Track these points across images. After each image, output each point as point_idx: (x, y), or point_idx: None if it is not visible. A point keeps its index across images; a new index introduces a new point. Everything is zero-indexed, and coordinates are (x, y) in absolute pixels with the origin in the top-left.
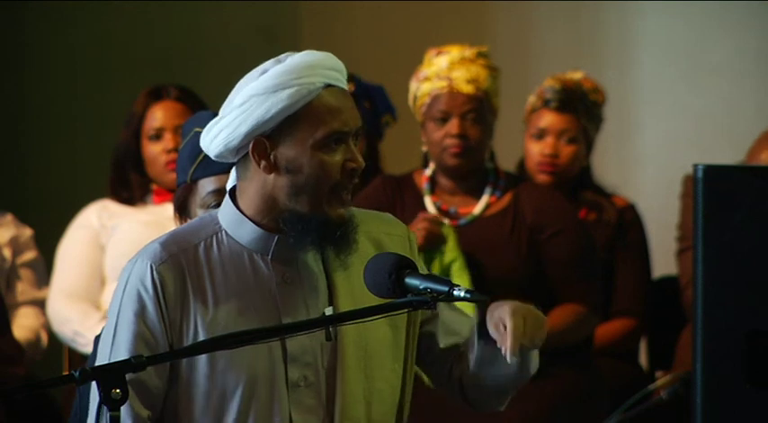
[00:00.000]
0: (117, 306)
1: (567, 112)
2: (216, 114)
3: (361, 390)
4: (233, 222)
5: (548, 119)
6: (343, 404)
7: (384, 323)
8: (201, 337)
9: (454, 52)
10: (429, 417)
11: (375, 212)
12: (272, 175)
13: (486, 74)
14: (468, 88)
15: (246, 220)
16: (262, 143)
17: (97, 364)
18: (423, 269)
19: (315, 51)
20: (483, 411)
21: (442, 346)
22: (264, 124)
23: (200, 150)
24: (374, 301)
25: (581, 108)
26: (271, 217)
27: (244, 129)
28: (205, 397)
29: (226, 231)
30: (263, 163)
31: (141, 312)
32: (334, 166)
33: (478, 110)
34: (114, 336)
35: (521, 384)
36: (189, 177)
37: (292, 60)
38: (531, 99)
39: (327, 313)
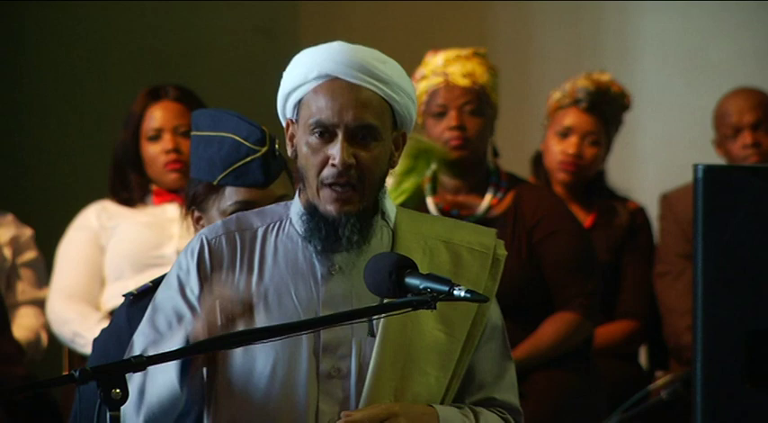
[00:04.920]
0: (169, 272)
1: (595, 114)
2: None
3: (390, 389)
4: (296, 211)
5: (575, 118)
6: (368, 401)
7: (438, 329)
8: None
9: (450, 52)
10: None
11: (472, 224)
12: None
13: (483, 70)
14: (464, 81)
15: (304, 210)
16: (288, 125)
17: (143, 321)
18: (493, 293)
19: (337, 43)
20: None
21: (467, 399)
22: (283, 109)
23: (239, 159)
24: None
25: (608, 112)
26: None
27: (281, 111)
28: (238, 374)
29: (291, 219)
30: (289, 147)
31: (184, 276)
32: (316, 157)
33: (476, 102)
34: (155, 298)
35: None
36: (217, 180)
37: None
38: (557, 95)
39: None
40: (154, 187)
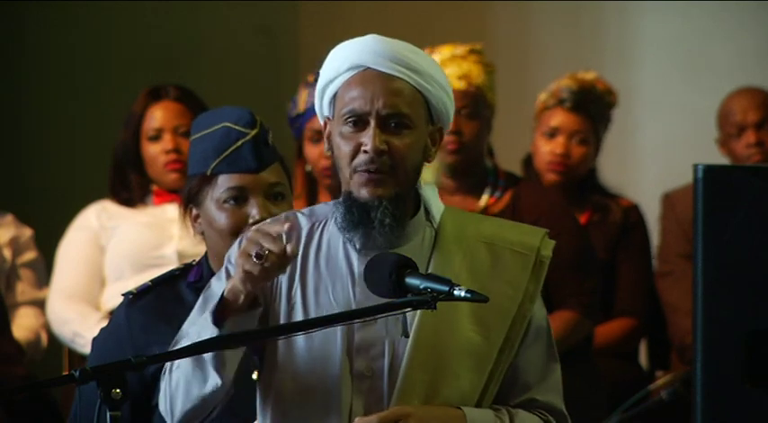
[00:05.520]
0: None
1: (581, 113)
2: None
3: (420, 390)
4: (339, 209)
5: (561, 118)
6: (398, 401)
7: (474, 331)
8: (282, 306)
9: (445, 51)
10: None
11: (521, 225)
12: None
13: (479, 69)
14: (459, 84)
15: (341, 198)
16: (326, 124)
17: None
18: (536, 295)
19: (370, 36)
20: None
21: (511, 401)
22: (321, 106)
23: (229, 145)
24: (469, 309)
25: (594, 110)
26: None
27: (318, 110)
28: (280, 372)
29: (336, 218)
30: (326, 145)
31: (232, 269)
32: (348, 145)
33: (471, 105)
34: (207, 289)
35: None
36: (210, 170)
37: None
38: (543, 96)
39: (409, 313)
40: (154, 187)
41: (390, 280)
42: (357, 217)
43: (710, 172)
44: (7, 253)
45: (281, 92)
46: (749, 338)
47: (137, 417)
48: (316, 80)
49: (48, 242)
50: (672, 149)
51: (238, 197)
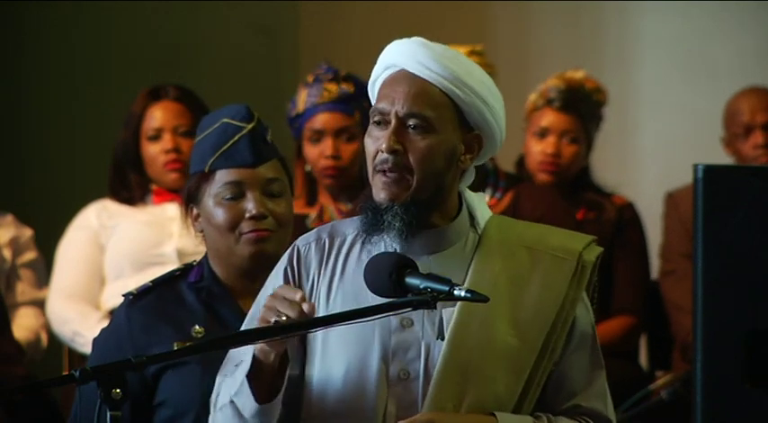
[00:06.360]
0: (266, 283)
1: (570, 112)
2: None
3: (453, 393)
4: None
5: (550, 118)
6: (431, 404)
7: (511, 335)
8: (320, 314)
9: None
10: None
11: (566, 231)
12: None
13: None
14: None
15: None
16: None
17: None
18: (583, 301)
19: (415, 38)
20: None
21: (557, 408)
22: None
23: (226, 140)
24: (507, 312)
25: (584, 109)
26: None
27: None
28: (318, 378)
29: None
30: None
31: (275, 283)
32: (372, 145)
33: None
34: (256, 304)
35: None
36: (207, 166)
37: None
38: (533, 97)
39: (446, 315)
40: (154, 187)
41: (390, 280)
42: (371, 219)
43: (710, 172)
44: (7, 253)
45: (281, 92)
46: (749, 338)
47: (137, 417)
48: (315, 80)
49: (48, 242)
50: (672, 149)
51: (235, 192)
